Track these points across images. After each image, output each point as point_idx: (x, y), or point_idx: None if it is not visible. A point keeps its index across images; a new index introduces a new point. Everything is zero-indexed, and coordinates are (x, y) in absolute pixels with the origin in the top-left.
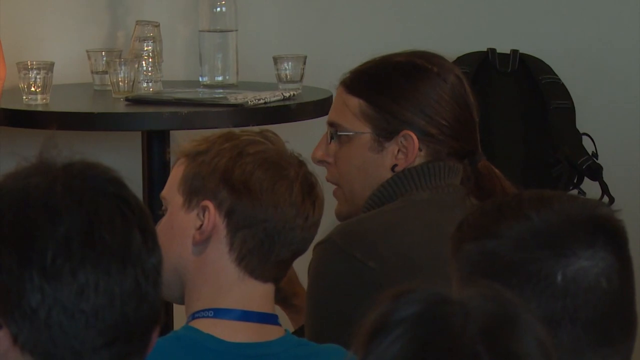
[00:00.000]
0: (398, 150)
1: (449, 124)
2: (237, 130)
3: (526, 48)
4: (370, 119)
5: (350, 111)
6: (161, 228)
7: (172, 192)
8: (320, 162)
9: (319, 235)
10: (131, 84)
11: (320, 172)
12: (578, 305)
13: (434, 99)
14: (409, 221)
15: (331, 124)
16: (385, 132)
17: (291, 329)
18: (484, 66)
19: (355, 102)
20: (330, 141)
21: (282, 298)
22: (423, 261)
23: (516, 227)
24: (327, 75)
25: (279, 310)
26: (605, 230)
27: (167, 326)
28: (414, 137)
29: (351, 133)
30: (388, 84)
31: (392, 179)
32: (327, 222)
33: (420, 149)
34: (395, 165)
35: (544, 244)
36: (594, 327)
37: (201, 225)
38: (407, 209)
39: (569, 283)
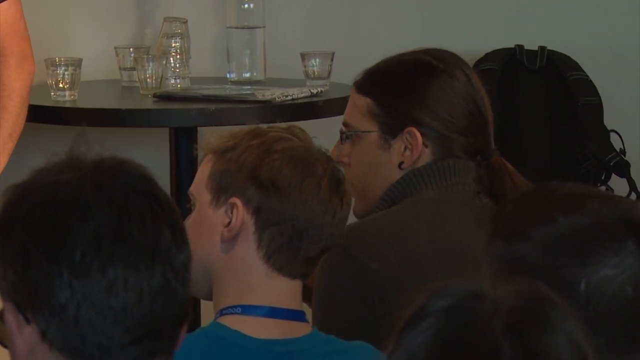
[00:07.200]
0: (405, 148)
1: (455, 120)
2: (264, 126)
3: (554, 45)
4: (377, 117)
5: (359, 111)
6: (189, 224)
7: (199, 188)
8: (338, 162)
9: None
10: (159, 80)
11: None
12: (601, 313)
13: (438, 94)
14: (413, 222)
15: (344, 124)
16: (391, 130)
17: None
18: (512, 63)
19: (363, 101)
20: (343, 141)
21: (309, 295)
22: (427, 262)
23: (544, 231)
24: (354, 72)
25: (306, 308)
26: (637, 234)
27: (195, 322)
28: (417, 133)
29: (360, 132)
30: (392, 82)
31: (401, 179)
32: (354, 218)
33: (425, 145)
34: (402, 162)
35: (569, 250)
36: (618, 334)
37: (229, 222)
38: (413, 210)
39: (592, 292)
